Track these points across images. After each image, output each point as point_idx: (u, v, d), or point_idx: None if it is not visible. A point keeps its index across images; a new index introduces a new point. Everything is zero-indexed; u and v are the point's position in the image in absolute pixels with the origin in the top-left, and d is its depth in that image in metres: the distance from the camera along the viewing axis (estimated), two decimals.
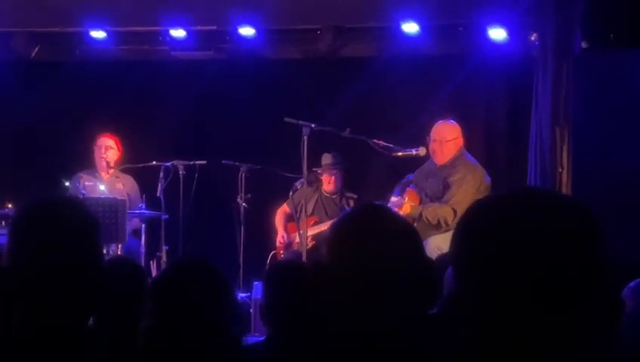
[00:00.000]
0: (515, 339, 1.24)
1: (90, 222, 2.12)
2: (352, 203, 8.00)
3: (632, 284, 3.68)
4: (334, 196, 8.10)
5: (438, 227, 6.66)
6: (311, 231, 7.57)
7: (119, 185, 8.13)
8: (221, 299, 2.36)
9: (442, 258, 4.53)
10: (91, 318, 2.84)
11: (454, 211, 6.63)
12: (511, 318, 1.24)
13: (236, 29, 8.29)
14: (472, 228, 1.31)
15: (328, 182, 8.03)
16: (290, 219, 8.19)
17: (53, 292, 2.06)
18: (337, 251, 1.89)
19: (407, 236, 1.92)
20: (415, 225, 6.31)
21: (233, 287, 2.50)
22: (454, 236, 1.34)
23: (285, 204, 8.22)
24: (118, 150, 8.21)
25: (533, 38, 7.70)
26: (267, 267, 6.39)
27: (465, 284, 1.29)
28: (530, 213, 1.28)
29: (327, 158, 7.95)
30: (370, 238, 1.88)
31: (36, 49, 8.65)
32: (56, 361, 2.07)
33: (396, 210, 6.68)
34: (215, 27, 8.37)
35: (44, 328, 2.03)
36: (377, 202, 6.86)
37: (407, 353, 1.87)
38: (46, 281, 2.03)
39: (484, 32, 7.94)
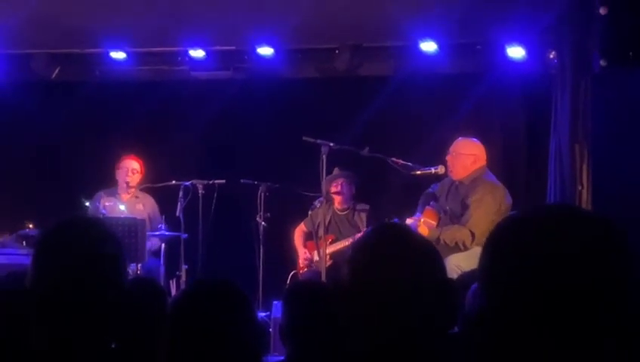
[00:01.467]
0: (544, 354, 1.24)
1: (113, 243, 2.13)
2: (364, 215, 7.99)
3: (473, 287, 3.66)
4: (346, 212, 8.09)
5: (456, 249, 6.62)
6: (329, 249, 7.56)
7: (139, 206, 8.16)
8: (241, 318, 2.36)
9: (463, 277, 4.52)
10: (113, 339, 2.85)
11: (472, 234, 6.57)
12: (539, 333, 1.23)
13: (254, 49, 8.33)
14: (499, 246, 1.32)
15: (336, 193, 7.99)
16: (308, 237, 8.19)
17: (76, 313, 2.06)
18: (358, 271, 1.90)
19: (427, 256, 1.92)
20: None
21: (254, 306, 2.50)
22: (482, 254, 1.34)
23: (303, 223, 8.22)
24: (141, 173, 8.24)
25: (551, 56, 7.69)
26: (287, 287, 6.39)
27: (492, 301, 1.29)
28: (556, 229, 1.28)
29: (335, 171, 7.94)
30: (389, 258, 1.88)
31: (57, 70, 8.72)
32: None
33: None
34: (234, 47, 8.42)
35: (67, 349, 2.04)
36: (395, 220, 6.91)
37: None
38: (69, 303, 2.04)
39: (502, 51, 7.95)
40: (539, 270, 1.24)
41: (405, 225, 2.18)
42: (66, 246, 2.08)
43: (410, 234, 2.00)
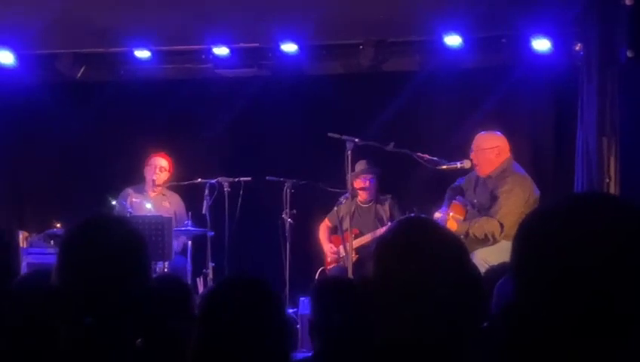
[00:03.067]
0: (580, 346, 1.22)
1: (137, 241, 2.13)
2: (386, 205, 7.96)
3: (500, 281, 3.62)
4: (369, 205, 8.07)
5: (485, 241, 6.59)
6: (354, 245, 7.55)
7: (166, 204, 8.18)
8: (270, 315, 2.36)
9: (490, 271, 4.49)
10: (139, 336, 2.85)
11: (501, 225, 6.54)
12: (577, 324, 1.21)
13: (279, 46, 8.33)
14: (530, 237, 1.30)
15: (362, 189, 7.97)
16: (333, 232, 8.18)
17: (100, 311, 2.06)
18: (383, 266, 1.88)
19: (453, 249, 1.90)
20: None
21: (283, 303, 2.50)
22: (514, 247, 1.32)
23: (327, 219, 8.21)
24: (169, 171, 8.26)
25: (577, 48, 7.63)
26: (315, 283, 6.38)
27: (524, 293, 1.27)
28: (585, 218, 1.26)
29: (361, 164, 7.91)
30: (416, 252, 1.86)
31: (82, 70, 8.76)
32: None
33: None
34: (258, 44, 8.43)
35: (92, 346, 2.04)
36: (412, 215, 6.89)
37: None
38: (94, 301, 2.05)
39: (527, 43, 7.89)
40: (570, 259, 1.22)
41: (431, 218, 2.16)
42: (90, 244, 2.08)
43: (436, 227, 1.98)
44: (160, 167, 8.23)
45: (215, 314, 2.35)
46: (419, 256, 1.85)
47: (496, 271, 4.09)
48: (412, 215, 7.16)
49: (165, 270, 7.36)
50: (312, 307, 3.34)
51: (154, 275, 6.78)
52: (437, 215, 6.79)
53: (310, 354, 3.41)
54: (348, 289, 3.27)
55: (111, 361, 2.09)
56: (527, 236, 1.31)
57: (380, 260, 1.90)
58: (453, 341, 1.85)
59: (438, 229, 1.98)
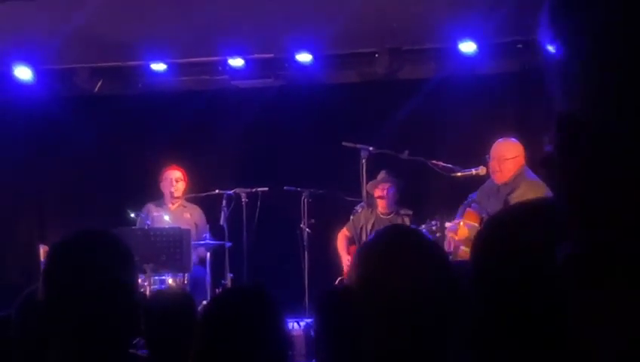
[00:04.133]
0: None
1: (123, 256, 2.14)
2: (407, 220, 7.94)
3: None
4: (390, 216, 8.05)
5: None
6: None
7: (187, 215, 8.20)
8: (269, 325, 2.36)
9: None
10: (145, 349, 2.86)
11: None
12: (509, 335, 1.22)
13: (294, 56, 8.36)
14: (476, 247, 1.31)
15: (381, 198, 7.95)
16: (351, 242, 8.17)
17: (87, 327, 2.07)
18: (364, 273, 1.89)
19: (435, 258, 1.90)
20: None
21: (282, 314, 2.49)
22: (472, 257, 1.33)
23: (345, 228, 8.20)
24: (185, 181, 8.30)
25: None
26: (315, 295, 6.37)
27: (479, 302, 1.28)
28: (518, 220, 1.27)
29: (381, 174, 7.91)
30: (398, 262, 1.87)
31: (99, 83, 8.84)
32: None
33: (451, 235, 6.60)
34: (273, 55, 8.47)
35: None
36: (434, 221, 6.88)
37: None
38: (79, 316, 2.05)
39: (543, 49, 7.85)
40: (499, 266, 1.23)
41: (413, 228, 2.16)
42: (71, 259, 2.09)
43: (418, 236, 1.98)
44: (175, 178, 8.26)
45: (213, 324, 2.36)
46: (400, 264, 1.86)
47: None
48: (434, 221, 7.17)
49: (185, 282, 7.38)
50: (315, 319, 3.33)
51: (157, 289, 6.83)
52: (447, 224, 6.78)
53: None
54: (344, 299, 3.26)
55: None
56: (474, 246, 1.32)
57: (360, 268, 1.91)
58: (436, 350, 1.85)
59: (419, 237, 1.99)
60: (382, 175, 7.88)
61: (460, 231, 6.59)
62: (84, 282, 2.04)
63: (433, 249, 1.95)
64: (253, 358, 2.34)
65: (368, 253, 1.94)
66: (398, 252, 1.90)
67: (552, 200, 1.26)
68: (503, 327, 1.23)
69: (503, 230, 1.28)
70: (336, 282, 8.00)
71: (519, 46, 8.07)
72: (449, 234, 6.65)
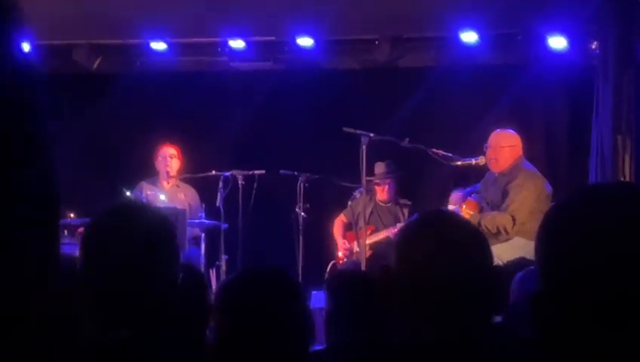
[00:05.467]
0: (609, 338, 1.22)
1: (166, 228, 2.12)
2: (406, 210, 7.97)
3: (518, 276, 3.64)
4: (389, 204, 8.09)
5: (497, 235, 6.59)
6: (368, 240, 7.55)
7: (181, 195, 8.19)
8: (293, 307, 2.36)
9: (504, 267, 4.50)
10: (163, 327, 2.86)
11: (513, 219, 6.56)
12: (606, 317, 1.21)
13: (294, 40, 8.34)
14: (557, 226, 1.29)
15: (382, 191, 8.02)
16: (348, 228, 8.19)
17: (127, 302, 2.06)
18: (404, 257, 1.89)
19: (474, 242, 1.91)
20: None
21: (305, 296, 2.50)
22: (540, 232, 1.32)
23: (342, 214, 8.22)
24: (180, 159, 8.28)
25: (593, 47, 7.62)
26: (329, 276, 6.40)
27: (551, 286, 1.27)
28: (614, 206, 1.26)
29: (380, 167, 7.94)
30: (438, 244, 1.87)
31: (97, 61, 8.79)
32: None
33: None
34: (274, 38, 8.44)
35: (117, 333, 2.05)
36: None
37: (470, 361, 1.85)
38: (120, 291, 2.05)
39: (543, 41, 7.89)
40: (599, 250, 1.22)
41: (451, 211, 2.15)
42: (116, 231, 2.07)
43: (458, 219, 1.99)
44: (170, 155, 8.24)
45: (238, 305, 2.35)
46: (439, 247, 1.86)
47: (510, 267, 4.12)
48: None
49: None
50: (328, 298, 3.35)
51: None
52: (450, 207, 6.81)
53: (322, 347, 3.41)
54: (363, 281, 3.28)
55: (133, 353, 2.10)
56: (554, 227, 1.31)
57: (400, 251, 1.91)
58: (472, 334, 1.86)
59: (459, 221, 1.99)
60: (383, 168, 7.91)
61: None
62: (125, 257, 2.03)
63: (471, 232, 1.95)
64: (278, 339, 2.34)
65: (406, 235, 1.95)
66: (435, 234, 1.90)
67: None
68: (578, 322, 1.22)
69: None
70: (329, 266, 8.03)
71: (519, 37, 8.08)
72: None
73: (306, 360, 2.40)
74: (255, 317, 2.30)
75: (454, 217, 1.99)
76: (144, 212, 2.17)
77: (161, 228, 2.11)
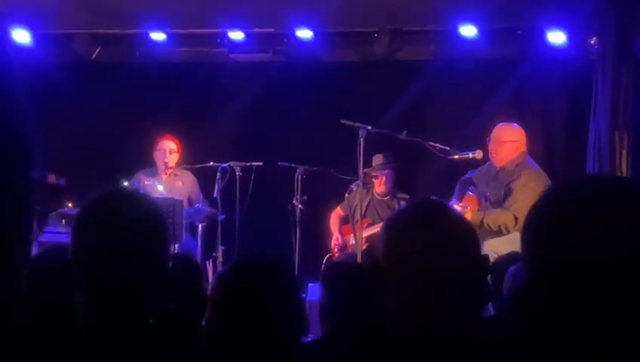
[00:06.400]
0: (589, 332, 1.22)
1: (156, 217, 2.13)
2: (403, 203, 7.98)
3: (511, 270, 3.65)
4: (386, 198, 8.09)
5: (498, 233, 6.59)
6: (365, 233, 7.56)
7: (178, 183, 8.20)
8: (288, 297, 2.37)
9: (499, 261, 4.51)
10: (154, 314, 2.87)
11: (515, 218, 6.53)
12: (594, 314, 1.21)
13: (294, 32, 8.35)
14: (543, 217, 1.29)
15: (379, 183, 8.01)
16: (344, 221, 8.20)
17: (116, 288, 2.07)
18: (392, 247, 1.89)
19: (462, 231, 1.90)
20: None
21: (299, 285, 2.51)
22: (525, 226, 1.32)
23: (339, 207, 8.23)
24: (179, 153, 8.29)
25: (592, 42, 7.62)
26: (324, 267, 6.40)
27: (538, 279, 1.27)
28: (600, 198, 1.25)
29: (378, 159, 7.93)
30: (424, 233, 1.86)
31: (97, 51, 8.79)
32: (119, 356, 2.09)
33: None
34: (273, 29, 8.44)
35: (107, 321, 2.06)
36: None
37: (461, 352, 1.86)
38: (109, 278, 2.05)
39: (542, 36, 7.90)
40: (583, 242, 1.21)
41: (439, 201, 2.15)
42: (106, 218, 2.07)
43: (445, 208, 1.98)
44: (169, 149, 8.25)
45: (232, 294, 2.35)
46: (426, 236, 1.85)
47: (505, 261, 4.13)
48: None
49: (175, 251, 7.39)
50: (323, 290, 3.37)
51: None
52: (457, 208, 6.79)
53: (316, 337, 3.43)
54: (358, 272, 3.30)
55: (125, 338, 2.11)
56: (541, 221, 1.30)
57: (386, 240, 1.90)
58: (460, 324, 1.86)
59: (447, 210, 1.98)
60: (380, 159, 7.90)
61: (465, 216, 6.61)
62: (115, 243, 2.03)
63: (459, 221, 1.95)
64: (271, 329, 2.34)
65: (395, 225, 1.94)
66: (423, 223, 1.90)
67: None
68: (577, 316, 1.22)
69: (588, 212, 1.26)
70: (325, 258, 8.04)
71: (519, 32, 8.09)
72: None
73: (298, 350, 2.41)
74: (246, 306, 2.31)
75: (442, 207, 1.98)
76: (134, 199, 2.17)
77: (150, 214, 2.12)
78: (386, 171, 7.98)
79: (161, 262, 2.12)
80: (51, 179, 7.69)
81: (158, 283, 2.13)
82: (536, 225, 1.30)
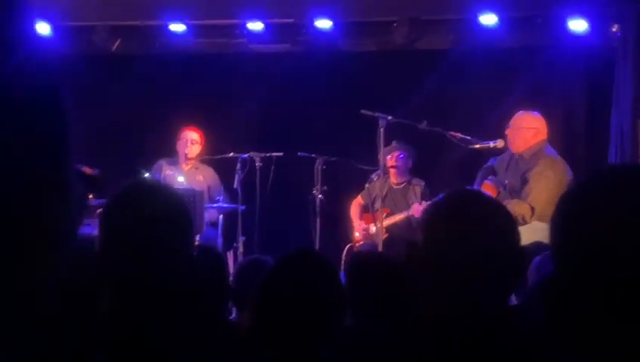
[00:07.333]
0: (614, 325, 1.21)
1: (181, 208, 2.14)
2: (418, 190, 7.94)
3: (536, 260, 3.63)
4: (402, 185, 8.06)
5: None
6: (385, 223, 7.55)
7: (199, 177, 8.22)
8: (331, 286, 2.42)
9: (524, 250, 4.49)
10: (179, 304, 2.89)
11: (532, 208, 6.49)
12: (610, 303, 1.21)
13: (313, 22, 8.34)
14: (574, 212, 1.28)
15: (393, 167, 7.95)
16: (365, 210, 8.20)
17: (143, 280, 2.08)
18: (430, 234, 1.89)
19: (501, 220, 1.91)
20: None
21: (339, 276, 2.60)
22: (553, 222, 1.31)
23: (360, 196, 8.22)
24: (201, 144, 8.31)
25: (614, 30, 7.57)
26: (349, 258, 6.40)
27: (563, 268, 1.27)
28: (629, 191, 1.24)
29: (392, 143, 7.89)
30: (464, 223, 1.87)
31: (117, 42, 8.81)
32: (143, 344, 2.10)
33: None
34: (292, 20, 8.43)
35: (132, 311, 2.07)
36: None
37: (483, 341, 1.86)
38: (136, 270, 2.06)
39: (563, 24, 7.85)
40: (610, 233, 1.20)
41: (478, 190, 2.15)
42: (132, 211, 2.09)
43: (484, 198, 1.98)
44: (191, 139, 8.27)
45: (281, 287, 2.41)
46: (465, 225, 1.86)
47: (529, 250, 4.11)
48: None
49: (196, 243, 7.41)
50: (347, 281, 3.37)
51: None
52: None
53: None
54: (383, 263, 3.30)
55: (150, 329, 2.11)
56: (567, 211, 1.29)
57: (428, 228, 1.91)
58: (487, 313, 1.86)
59: (486, 200, 1.98)
60: (393, 144, 7.88)
61: None
62: (142, 235, 2.05)
63: (499, 211, 1.95)
64: (312, 316, 2.39)
65: (432, 215, 1.95)
66: (465, 212, 1.91)
67: None
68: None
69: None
70: (346, 249, 8.05)
71: (539, 20, 8.04)
72: None
73: (341, 335, 2.47)
74: (297, 301, 2.36)
75: (480, 196, 1.98)
76: (158, 191, 2.19)
77: (174, 206, 2.13)
78: (397, 152, 7.92)
79: (188, 251, 2.14)
80: (87, 170, 7.70)
81: (183, 273, 2.15)
82: (564, 216, 1.29)
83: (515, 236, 1.94)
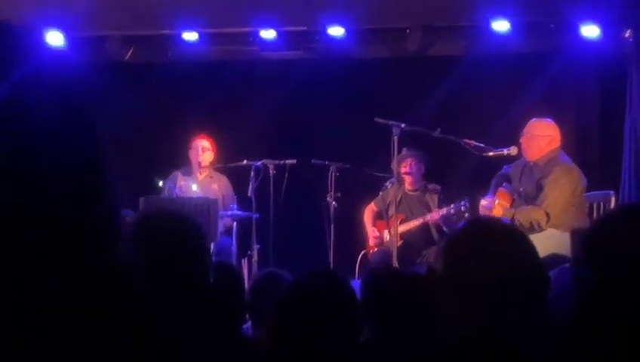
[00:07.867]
0: None
1: (196, 234, 2.18)
2: (435, 196, 7.94)
3: (552, 274, 3.62)
4: (417, 192, 8.06)
5: (530, 230, 6.54)
6: (399, 229, 7.55)
7: (214, 186, 8.25)
8: (349, 303, 2.45)
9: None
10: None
11: (547, 215, 6.50)
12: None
13: (325, 29, 8.35)
14: (603, 236, 1.31)
15: (407, 174, 7.95)
16: (378, 217, 8.20)
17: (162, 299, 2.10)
18: (450, 261, 1.92)
19: (520, 247, 1.93)
20: None
21: (356, 298, 2.63)
22: (581, 243, 1.34)
23: (373, 203, 8.23)
24: (213, 151, 8.34)
25: (627, 35, 7.56)
26: (366, 269, 6.42)
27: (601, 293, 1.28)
28: None
29: (402, 151, 7.88)
30: (486, 252, 1.89)
31: (130, 51, 8.85)
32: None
33: (487, 213, 6.60)
34: (305, 27, 8.46)
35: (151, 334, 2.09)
36: (463, 202, 6.89)
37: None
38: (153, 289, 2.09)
39: (576, 29, 7.84)
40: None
41: (497, 218, 2.18)
42: (148, 237, 2.13)
43: (504, 226, 2.01)
44: (203, 148, 8.31)
45: (294, 308, 2.44)
46: (487, 255, 1.88)
47: (545, 263, 4.10)
48: (464, 201, 7.20)
49: (211, 251, 7.43)
50: (363, 292, 3.38)
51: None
52: (483, 202, 6.78)
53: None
54: (399, 276, 3.32)
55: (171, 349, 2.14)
56: (601, 236, 1.32)
57: (448, 258, 1.94)
58: (520, 341, 1.88)
59: (505, 227, 2.01)
60: (403, 151, 7.89)
61: (494, 210, 6.60)
62: (155, 261, 2.08)
63: (518, 238, 1.98)
64: (327, 338, 2.41)
65: (454, 243, 1.97)
66: (483, 242, 1.93)
67: None
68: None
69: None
70: (360, 255, 8.05)
71: (552, 26, 8.04)
72: (484, 212, 6.66)
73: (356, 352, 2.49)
74: (306, 321, 2.38)
75: (500, 224, 2.02)
76: (174, 218, 2.22)
77: (190, 232, 2.17)
78: (410, 159, 7.92)
79: (204, 278, 2.17)
80: None
81: (201, 295, 2.18)
82: (598, 239, 1.32)
83: (536, 260, 1.97)
